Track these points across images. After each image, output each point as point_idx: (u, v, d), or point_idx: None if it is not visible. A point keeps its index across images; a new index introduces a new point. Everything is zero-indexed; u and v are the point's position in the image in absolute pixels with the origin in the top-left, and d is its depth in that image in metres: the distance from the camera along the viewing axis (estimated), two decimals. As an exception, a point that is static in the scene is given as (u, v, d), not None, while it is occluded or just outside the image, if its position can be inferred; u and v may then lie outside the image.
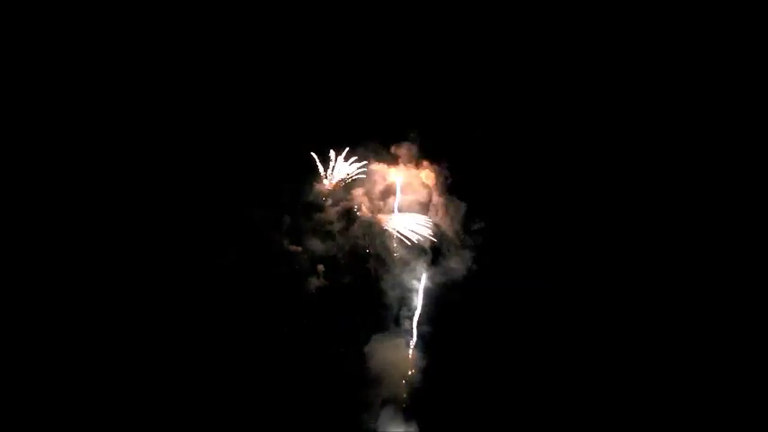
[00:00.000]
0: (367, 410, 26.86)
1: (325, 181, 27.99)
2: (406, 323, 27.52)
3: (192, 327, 26.78)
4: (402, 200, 27.95)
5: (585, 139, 27.94)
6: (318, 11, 27.80)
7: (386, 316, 27.57)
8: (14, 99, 26.64)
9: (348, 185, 28.11)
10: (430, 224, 27.48)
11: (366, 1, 27.59)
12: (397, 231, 27.48)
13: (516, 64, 27.88)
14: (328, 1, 27.83)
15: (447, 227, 27.61)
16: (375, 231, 27.69)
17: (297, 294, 27.25)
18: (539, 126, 28.08)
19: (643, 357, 26.77)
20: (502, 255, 27.25)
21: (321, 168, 27.88)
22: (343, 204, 28.03)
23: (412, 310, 27.54)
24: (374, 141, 27.76)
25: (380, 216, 27.72)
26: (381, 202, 28.15)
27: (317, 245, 27.51)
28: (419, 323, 27.41)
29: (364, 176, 27.99)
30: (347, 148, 27.79)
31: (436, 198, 27.91)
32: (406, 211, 27.83)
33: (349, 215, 27.90)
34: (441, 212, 27.75)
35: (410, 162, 28.03)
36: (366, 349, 27.06)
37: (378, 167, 28.11)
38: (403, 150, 27.89)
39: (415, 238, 27.38)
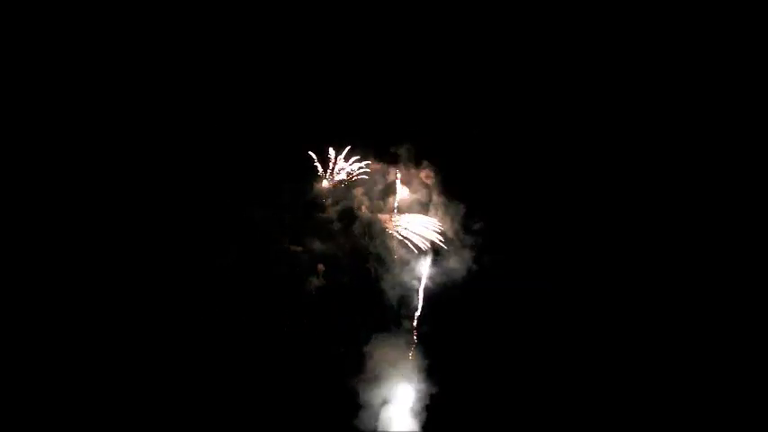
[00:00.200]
0: (367, 410, 26.82)
1: (325, 181, 28.00)
2: (406, 323, 27.52)
3: (192, 326, 26.76)
4: (402, 200, 27.97)
5: (585, 139, 27.94)
6: (318, 12, 27.80)
7: (386, 316, 27.57)
8: (15, 99, 26.62)
9: (348, 185, 28.12)
10: (437, 227, 27.48)
11: (366, 2, 27.56)
12: (401, 235, 27.49)
13: (515, 64, 27.89)
14: (328, 2, 27.82)
15: (447, 227, 27.61)
16: (375, 231, 27.69)
17: (297, 294, 27.23)
18: (538, 126, 28.08)
19: (643, 357, 26.77)
20: (502, 255, 27.23)
21: (321, 168, 27.90)
22: (343, 204, 28.03)
23: (412, 310, 27.53)
24: (374, 141, 27.78)
25: (384, 217, 27.70)
26: (381, 202, 28.18)
27: (317, 245, 27.50)
28: (419, 323, 27.42)
29: (365, 176, 28.00)
30: (347, 148, 27.81)
31: (436, 198, 27.92)
32: (406, 211, 27.84)
33: (349, 215, 27.90)
34: (440, 212, 27.76)
35: (410, 162, 28.04)
36: (366, 349, 27.05)
37: (378, 167, 28.10)
38: (403, 150, 27.90)
39: (421, 242, 27.41)
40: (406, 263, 27.62)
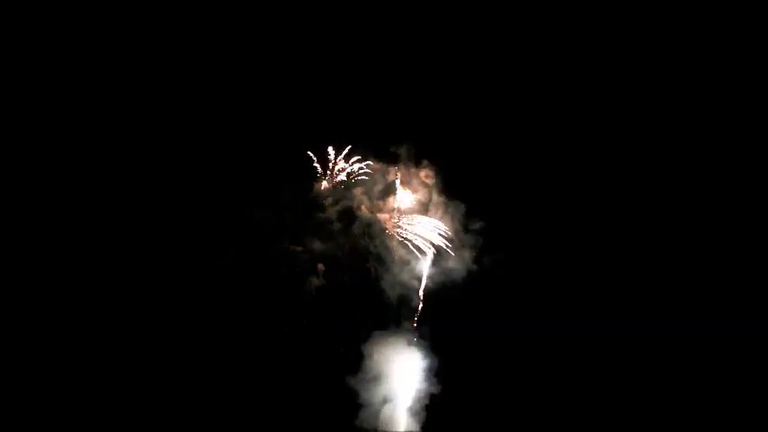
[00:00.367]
0: (367, 410, 26.86)
1: (325, 181, 27.99)
2: (406, 323, 27.54)
3: (192, 326, 26.78)
4: (402, 200, 27.96)
5: (585, 138, 27.94)
6: (318, 12, 27.78)
7: (386, 316, 27.57)
8: (15, 100, 26.61)
9: (348, 185, 28.12)
10: (437, 227, 27.49)
11: (365, 3, 27.53)
12: (402, 235, 27.53)
13: (515, 64, 27.88)
14: (328, 3, 27.80)
15: (447, 227, 27.62)
16: (375, 231, 27.69)
17: (297, 294, 27.25)
18: (538, 126, 28.09)
19: (643, 357, 26.83)
20: (502, 255, 27.24)
21: (321, 168, 27.90)
22: (343, 204, 28.02)
23: (412, 310, 27.55)
24: (374, 141, 27.77)
25: (384, 217, 27.70)
26: (381, 202, 28.17)
27: (317, 245, 27.51)
28: (419, 323, 27.44)
29: (365, 177, 28.00)
30: (348, 148, 27.81)
31: (436, 198, 27.92)
32: (406, 212, 27.85)
33: (349, 215, 27.90)
34: (440, 212, 27.76)
35: (410, 162, 28.05)
36: (366, 348, 27.04)
37: (378, 167, 28.10)
38: (403, 150, 27.92)
39: (421, 242, 27.44)
40: (406, 263, 27.64)
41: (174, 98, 27.42)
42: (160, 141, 27.46)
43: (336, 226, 27.82)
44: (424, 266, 27.57)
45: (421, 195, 28.05)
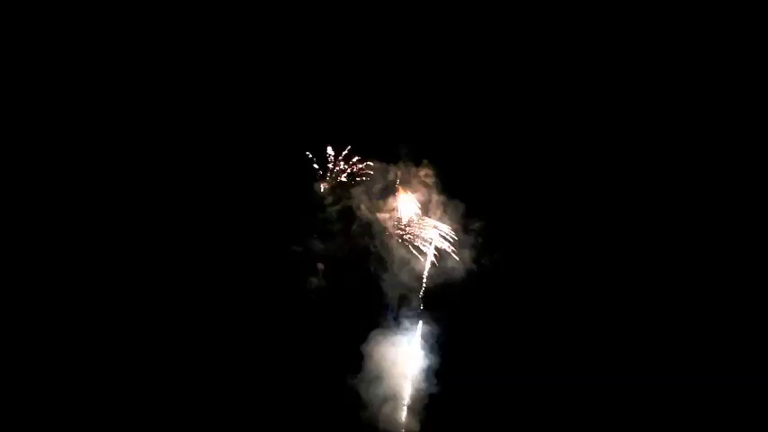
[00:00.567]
0: (367, 409, 26.88)
1: (325, 181, 27.97)
2: (406, 323, 27.55)
3: (192, 326, 26.78)
4: (402, 199, 27.96)
5: (585, 138, 27.94)
6: (318, 12, 27.75)
7: (386, 315, 27.59)
8: (17, 101, 26.60)
9: (348, 185, 28.09)
10: (437, 227, 27.50)
11: (365, 3, 27.52)
12: (401, 236, 27.52)
13: (515, 64, 27.86)
14: (328, 3, 27.78)
15: (447, 227, 27.62)
16: (375, 231, 27.69)
17: (297, 294, 27.24)
18: (538, 126, 28.09)
19: (643, 358, 26.86)
20: (502, 255, 27.25)
21: (321, 168, 27.88)
22: (343, 204, 28.00)
23: (412, 310, 27.56)
24: (374, 141, 27.74)
25: (384, 217, 27.69)
26: (381, 202, 28.14)
27: (317, 245, 27.51)
28: (419, 322, 27.44)
29: (365, 177, 27.98)
30: (348, 148, 27.79)
31: (436, 198, 27.92)
32: (405, 211, 27.84)
33: (349, 215, 27.89)
34: (440, 212, 27.77)
35: (410, 162, 28.02)
36: (366, 348, 27.05)
37: (378, 167, 28.07)
38: (403, 150, 27.88)
39: (421, 242, 27.44)
40: (406, 263, 27.64)
41: (173, 99, 27.37)
42: (159, 142, 27.40)
43: (336, 226, 27.81)
44: (425, 266, 27.57)
45: (421, 195, 28.01)
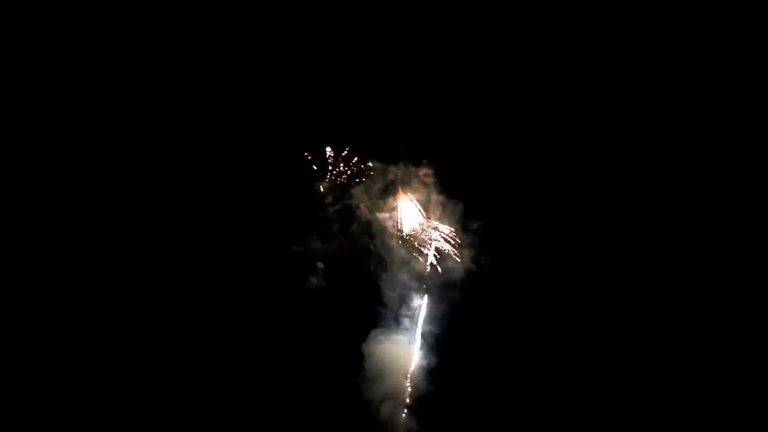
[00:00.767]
0: (367, 409, 26.91)
1: (325, 181, 27.99)
2: (407, 321, 27.56)
3: (192, 327, 26.82)
4: (401, 199, 27.95)
5: (585, 138, 27.92)
6: (318, 12, 27.73)
7: (386, 314, 27.60)
8: (18, 101, 26.61)
9: (348, 185, 28.09)
10: (437, 227, 27.49)
11: (365, 3, 27.51)
12: (401, 237, 27.52)
13: (515, 64, 27.83)
14: (328, 3, 27.77)
15: (447, 227, 27.62)
16: (375, 231, 27.70)
17: (297, 294, 27.26)
18: (538, 126, 28.07)
19: (644, 358, 26.85)
20: (502, 255, 27.24)
21: (321, 168, 27.88)
22: (343, 204, 28.01)
23: (412, 309, 27.58)
24: (374, 141, 27.74)
25: (384, 217, 27.68)
26: (381, 202, 28.13)
27: (317, 245, 27.52)
28: (419, 322, 27.46)
29: (365, 177, 27.97)
30: (348, 148, 27.79)
31: (436, 198, 27.91)
32: (405, 211, 27.83)
33: (349, 215, 27.90)
34: (440, 212, 27.76)
35: (410, 162, 28.01)
36: (366, 347, 27.07)
37: (378, 167, 28.07)
38: (403, 150, 27.87)
39: (421, 242, 27.45)
40: (406, 263, 27.65)
41: (173, 99, 27.39)
42: (158, 142, 27.43)
43: (336, 226, 27.82)
44: (425, 266, 27.57)
45: (421, 195, 28.00)
